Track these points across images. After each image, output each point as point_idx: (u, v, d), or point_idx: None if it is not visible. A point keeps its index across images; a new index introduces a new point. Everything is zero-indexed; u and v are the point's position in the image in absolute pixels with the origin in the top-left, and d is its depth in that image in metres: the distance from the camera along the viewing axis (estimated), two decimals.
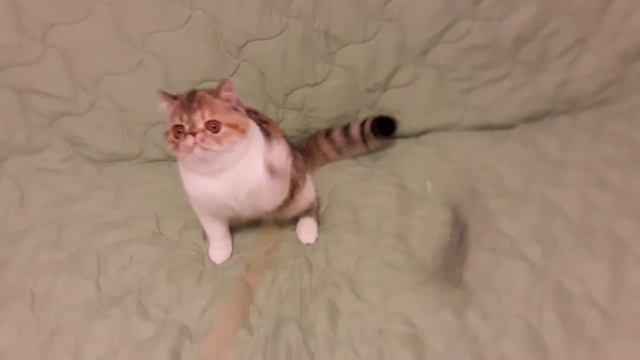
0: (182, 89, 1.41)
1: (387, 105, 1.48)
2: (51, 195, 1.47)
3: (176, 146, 1.05)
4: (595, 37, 1.40)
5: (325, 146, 1.51)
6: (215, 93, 1.07)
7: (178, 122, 1.03)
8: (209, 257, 1.28)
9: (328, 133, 1.50)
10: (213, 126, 1.04)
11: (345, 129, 1.49)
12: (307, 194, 1.30)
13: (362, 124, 1.47)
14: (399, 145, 1.50)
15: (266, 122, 1.24)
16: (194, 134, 1.02)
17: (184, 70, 1.42)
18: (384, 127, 1.44)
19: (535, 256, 1.14)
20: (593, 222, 1.18)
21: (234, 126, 1.06)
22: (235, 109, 1.10)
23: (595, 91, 1.43)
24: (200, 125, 1.03)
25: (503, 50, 1.41)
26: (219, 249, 1.27)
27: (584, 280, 1.08)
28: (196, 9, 1.35)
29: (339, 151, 1.51)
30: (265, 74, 1.44)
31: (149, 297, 1.18)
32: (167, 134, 1.07)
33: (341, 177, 1.42)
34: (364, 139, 1.48)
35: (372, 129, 1.45)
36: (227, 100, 1.08)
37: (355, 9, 1.37)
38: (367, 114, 1.50)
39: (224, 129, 1.04)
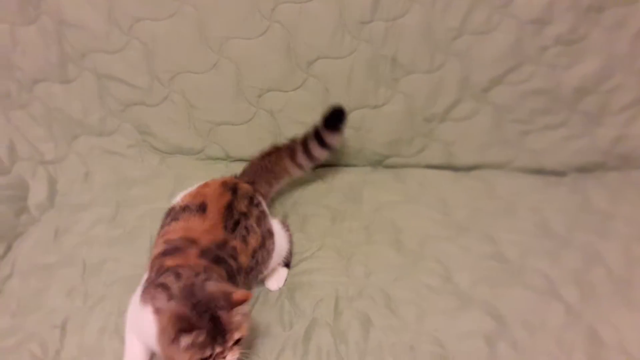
0: (250, 94, 1.52)
1: (442, 136, 1.52)
2: (114, 176, 1.57)
3: None
4: None
5: (289, 165, 1.43)
6: (231, 308, 0.96)
7: (209, 353, 0.94)
8: None
9: (292, 155, 1.42)
10: (237, 342, 0.98)
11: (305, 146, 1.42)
12: (276, 258, 1.25)
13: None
14: (449, 177, 1.53)
15: (239, 270, 1.12)
16: (224, 357, 0.97)
17: (255, 78, 1.50)
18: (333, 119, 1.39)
19: (572, 299, 1.17)
20: (634, 275, 1.20)
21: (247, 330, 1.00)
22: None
23: None
24: (230, 347, 0.97)
25: (563, 99, 1.44)
26: None
27: (618, 329, 1.10)
28: (275, 22, 1.43)
29: (300, 167, 1.44)
30: (329, 91, 1.50)
31: None
32: None
33: (388, 197, 1.46)
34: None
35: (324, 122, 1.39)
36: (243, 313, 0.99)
37: (424, 41, 1.42)
38: (421, 142, 1.54)
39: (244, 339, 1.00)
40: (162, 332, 0.93)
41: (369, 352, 1.11)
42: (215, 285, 0.97)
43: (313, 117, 1.52)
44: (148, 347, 1.05)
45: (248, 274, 1.16)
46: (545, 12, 1.36)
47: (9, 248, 1.37)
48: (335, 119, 1.39)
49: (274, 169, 1.41)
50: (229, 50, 1.48)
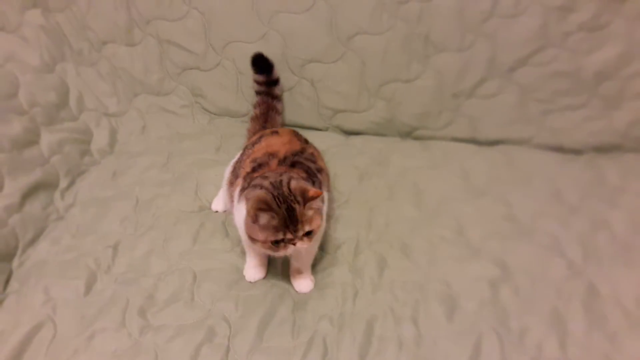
0: (293, 64, 1.67)
1: (468, 111, 1.63)
2: (168, 130, 1.74)
3: (274, 250, 1.12)
4: None
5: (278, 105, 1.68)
6: (306, 202, 1.10)
7: (281, 237, 1.09)
8: None
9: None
10: (308, 234, 1.12)
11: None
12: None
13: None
14: (472, 149, 1.63)
15: (320, 170, 1.31)
16: (294, 244, 1.11)
17: (299, 49, 1.65)
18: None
19: (575, 256, 1.26)
20: (637, 241, 1.28)
21: (319, 227, 1.15)
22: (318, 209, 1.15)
23: None
24: (300, 237, 1.11)
25: (584, 82, 1.53)
26: (254, 267, 1.26)
27: (615, 285, 1.19)
28: None
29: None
30: (365, 64, 1.63)
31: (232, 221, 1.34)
32: (264, 241, 1.10)
33: (413, 163, 1.58)
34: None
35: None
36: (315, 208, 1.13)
37: (456, 21, 1.54)
38: (448, 117, 1.65)
39: (315, 232, 1.13)
40: (247, 213, 1.10)
41: (381, 286, 1.23)
42: (296, 183, 1.13)
43: (349, 87, 1.67)
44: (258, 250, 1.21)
45: (327, 174, 1.37)
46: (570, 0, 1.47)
47: (72, 182, 1.55)
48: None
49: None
50: (277, 23, 1.63)
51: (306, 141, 1.40)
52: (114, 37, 1.74)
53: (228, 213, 1.39)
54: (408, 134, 1.71)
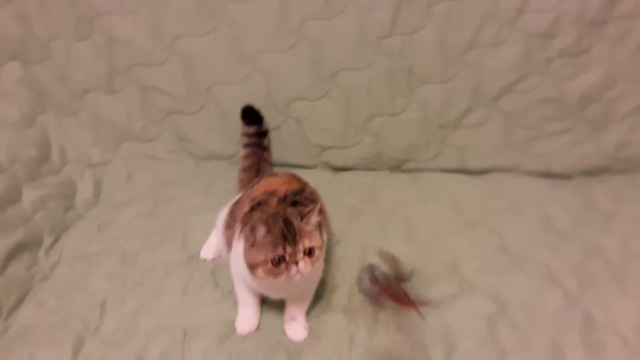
0: (279, 103, 1.65)
1: (455, 142, 1.63)
2: (154, 177, 1.72)
3: (276, 274, 1.06)
4: None
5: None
6: (303, 218, 1.10)
7: (281, 252, 1.05)
8: None
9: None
10: (309, 252, 1.08)
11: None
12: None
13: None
14: (462, 179, 1.63)
15: (320, 210, 1.18)
16: (296, 263, 1.06)
17: (283, 88, 1.64)
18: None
19: (570, 286, 1.24)
20: (631, 267, 1.27)
21: (320, 246, 1.12)
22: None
23: None
24: (301, 254, 1.07)
25: (569, 107, 1.54)
26: (247, 318, 1.21)
27: (611, 313, 1.17)
28: (302, 37, 1.57)
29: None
30: (351, 100, 1.63)
31: (222, 270, 1.34)
32: (264, 262, 1.06)
33: (403, 197, 1.56)
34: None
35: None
36: (313, 223, 1.13)
37: (438, 53, 1.54)
38: (436, 148, 1.65)
39: (316, 252, 1.10)
40: (245, 238, 1.09)
41: (377, 330, 1.18)
42: (292, 210, 1.14)
43: (335, 124, 1.66)
44: (254, 290, 1.19)
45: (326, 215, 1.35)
46: (551, 26, 1.48)
47: (57, 239, 1.51)
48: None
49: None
50: (260, 63, 1.62)
51: (305, 182, 1.38)
52: (95, 86, 1.72)
53: (219, 260, 1.37)
54: (397, 167, 1.70)
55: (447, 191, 1.57)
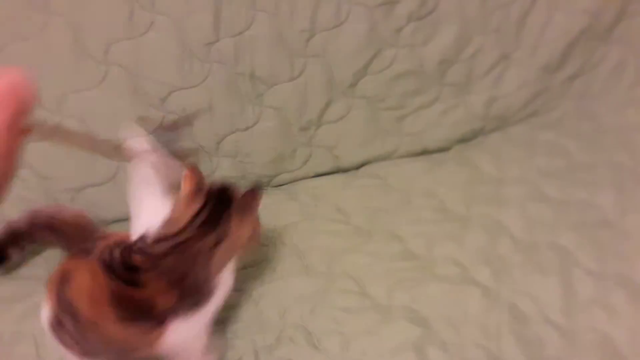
0: (106, 149, 1.36)
1: (323, 141, 1.46)
2: None
3: None
4: (517, 51, 1.43)
5: None
6: None
7: None
8: None
9: None
10: None
11: None
12: None
13: None
14: (340, 180, 1.47)
15: None
16: None
17: (107, 129, 1.34)
18: None
19: (486, 280, 1.14)
20: (537, 237, 1.20)
21: None
22: None
23: (522, 105, 1.46)
24: None
25: (430, 75, 1.42)
26: None
27: (536, 299, 1.09)
28: (111, 65, 1.29)
29: None
30: (193, 124, 1.39)
31: None
32: None
33: (284, 220, 1.37)
34: None
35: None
36: None
37: (278, 48, 1.34)
38: (304, 153, 1.47)
39: None
40: None
41: None
42: None
43: None
44: None
45: None
46: None
47: None
48: None
49: None
50: (67, 109, 1.31)
51: None
52: None
53: None
54: (267, 184, 1.50)
55: (329, 200, 1.40)
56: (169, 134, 1.03)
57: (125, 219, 1.13)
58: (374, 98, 1.43)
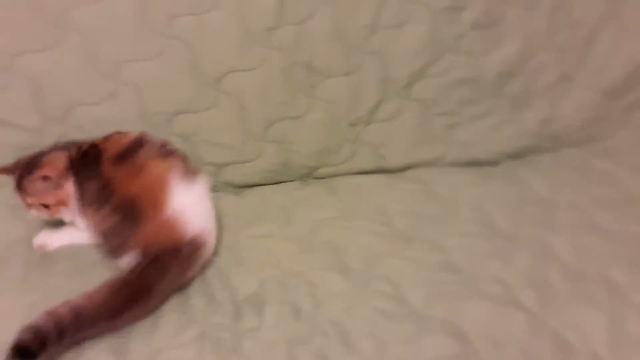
0: (158, 120, 1.36)
1: (370, 139, 1.44)
2: None
3: None
4: (580, 73, 1.40)
5: None
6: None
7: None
8: None
9: None
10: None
11: None
12: None
13: None
14: (383, 180, 1.45)
15: None
16: None
17: (160, 102, 1.34)
18: None
19: (531, 304, 1.10)
20: (587, 268, 1.16)
21: None
22: None
23: (579, 128, 1.43)
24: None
25: (487, 86, 1.39)
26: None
27: (583, 331, 1.05)
28: (172, 39, 1.28)
29: None
30: (245, 107, 1.37)
31: None
32: None
33: (323, 214, 1.35)
34: None
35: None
36: None
37: (338, 41, 1.32)
38: (350, 148, 1.45)
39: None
40: None
41: None
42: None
43: (231, 136, 1.40)
44: None
45: None
46: None
47: None
48: None
49: None
50: (125, 76, 1.30)
51: None
52: None
53: None
54: (308, 175, 1.48)
55: (370, 199, 1.38)
56: None
57: None
58: (427, 102, 1.40)
